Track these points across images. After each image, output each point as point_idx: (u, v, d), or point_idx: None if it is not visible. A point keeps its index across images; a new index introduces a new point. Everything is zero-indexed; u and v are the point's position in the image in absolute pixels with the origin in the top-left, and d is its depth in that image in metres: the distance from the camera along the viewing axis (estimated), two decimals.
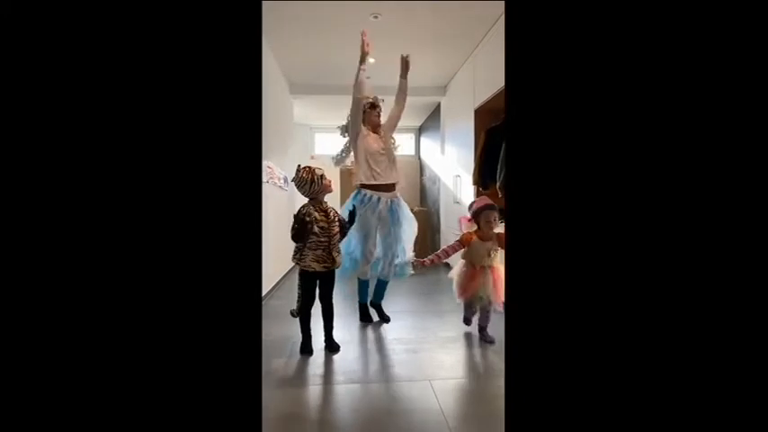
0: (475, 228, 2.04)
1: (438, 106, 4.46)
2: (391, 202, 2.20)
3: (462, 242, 2.04)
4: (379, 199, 2.14)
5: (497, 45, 2.72)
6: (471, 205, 2.10)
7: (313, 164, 1.94)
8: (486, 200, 2.05)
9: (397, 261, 2.23)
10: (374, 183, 2.15)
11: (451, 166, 3.93)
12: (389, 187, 2.20)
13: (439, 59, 3.43)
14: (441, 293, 2.95)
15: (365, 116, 2.21)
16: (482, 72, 3.03)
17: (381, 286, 2.34)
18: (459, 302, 2.13)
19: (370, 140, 2.18)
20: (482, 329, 2.01)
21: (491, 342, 1.93)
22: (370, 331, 2.16)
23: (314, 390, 1.50)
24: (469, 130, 3.24)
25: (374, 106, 2.24)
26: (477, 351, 1.85)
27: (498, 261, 2.03)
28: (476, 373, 1.64)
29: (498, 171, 2.59)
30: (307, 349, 1.83)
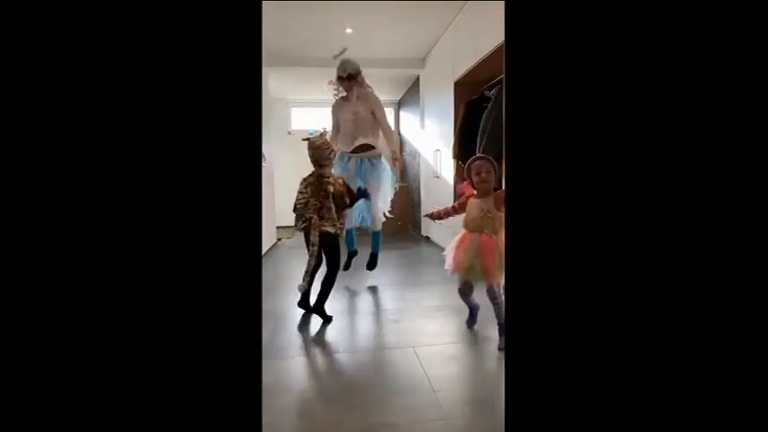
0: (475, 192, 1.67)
1: (417, 79, 4.40)
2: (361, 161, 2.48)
3: (456, 206, 1.74)
4: (349, 159, 2.48)
5: (477, 14, 2.68)
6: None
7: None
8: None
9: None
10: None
11: (431, 140, 3.93)
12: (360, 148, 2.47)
13: (418, 30, 3.36)
14: (422, 264, 3.01)
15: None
16: (462, 42, 3.00)
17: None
18: (450, 277, 1.78)
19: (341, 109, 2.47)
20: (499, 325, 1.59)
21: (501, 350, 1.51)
22: (350, 302, 2.19)
23: (300, 361, 1.53)
24: (449, 103, 3.22)
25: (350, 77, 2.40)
26: (455, 320, 1.91)
27: (495, 227, 1.58)
28: (456, 338, 1.70)
29: (478, 144, 2.61)
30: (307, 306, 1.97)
